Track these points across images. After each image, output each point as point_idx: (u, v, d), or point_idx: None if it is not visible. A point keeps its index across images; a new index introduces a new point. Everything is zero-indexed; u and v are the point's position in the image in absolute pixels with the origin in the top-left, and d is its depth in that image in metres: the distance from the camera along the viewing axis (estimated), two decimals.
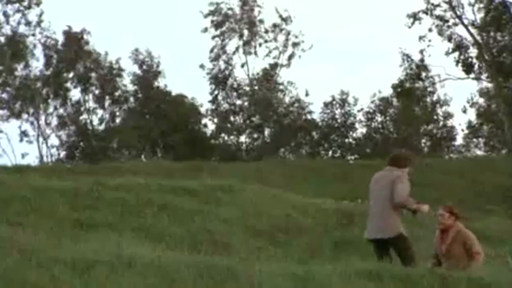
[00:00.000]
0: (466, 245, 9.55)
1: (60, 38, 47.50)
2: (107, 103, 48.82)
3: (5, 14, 44.74)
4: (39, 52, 46.64)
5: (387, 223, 9.19)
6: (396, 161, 9.59)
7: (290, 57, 49.92)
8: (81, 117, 48.22)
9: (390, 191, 9.23)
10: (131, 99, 49.20)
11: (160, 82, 49.62)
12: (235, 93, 49.93)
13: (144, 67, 49.13)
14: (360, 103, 50.41)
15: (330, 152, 50.06)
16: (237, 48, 49.92)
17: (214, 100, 49.73)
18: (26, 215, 17.48)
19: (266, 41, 49.87)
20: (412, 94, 49.21)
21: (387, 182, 9.32)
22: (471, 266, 9.30)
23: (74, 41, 47.39)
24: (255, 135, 50.06)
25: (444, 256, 9.54)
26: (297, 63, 51.46)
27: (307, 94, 49.80)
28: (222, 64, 49.77)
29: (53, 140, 47.70)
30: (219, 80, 49.67)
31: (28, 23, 45.20)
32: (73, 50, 46.93)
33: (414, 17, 47.11)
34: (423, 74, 49.29)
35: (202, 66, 49.36)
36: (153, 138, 47.31)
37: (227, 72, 49.88)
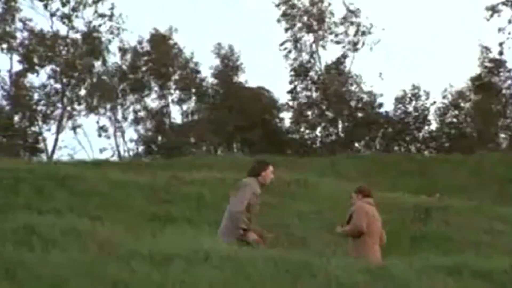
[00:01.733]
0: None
1: (146, 36, 48.14)
2: (186, 98, 49.22)
3: (75, 10, 45.46)
4: (115, 47, 47.31)
5: None
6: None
7: (358, 49, 49.58)
8: (158, 112, 48.71)
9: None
10: (211, 93, 49.50)
11: (240, 77, 49.84)
12: (313, 86, 49.80)
13: (225, 61, 49.39)
14: (431, 97, 49.79)
15: (404, 146, 49.53)
16: (309, 41, 49.84)
17: (292, 91, 49.66)
18: (105, 209, 17.77)
19: (336, 35, 49.59)
20: (491, 87, 48.34)
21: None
22: (342, 229, 10.16)
23: (160, 39, 47.91)
24: (330, 129, 49.85)
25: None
26: (367, 56, 50.99)
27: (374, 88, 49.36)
28: (296, 56, 49.69)
29: (131, 135, 48.42)
30: (298, 73, 49.63)
31: (101, 16, 45.82)
32: (157, 47, 47.46)
33: (493, 9, 46.38)
34: (502, 67, 48.47)
35: (279, 61, 49.40)
36: (230, 132, 47.52)
37: (307, 65, 49.78)
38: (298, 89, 49.74)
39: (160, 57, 47.77)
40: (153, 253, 6.78)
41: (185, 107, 48.91)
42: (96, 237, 7.18)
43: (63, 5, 44.88)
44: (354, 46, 49.46)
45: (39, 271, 6.04)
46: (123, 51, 47.56)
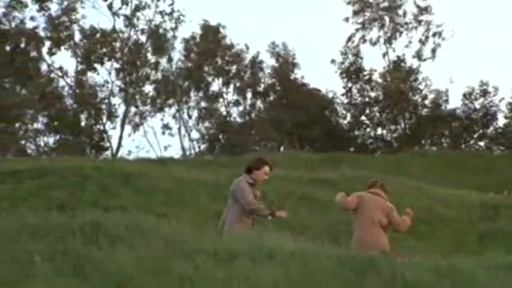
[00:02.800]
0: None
1: (198, 31, 48.38)
2: (247, 96, 49.38)
3: (141, 7, 45.93)
4: (179, 45, 47.68)
5: None
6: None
7: (425, 46, 49.12)
8: (221, 110, 48.99)
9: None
10: (270, 91, 49.56)
11: (297, 74, 49.78)
12: (368, 86, 49.51)
13: (281, 60, 49.38)
14: (500, 93, 48.98)
15: (472, 143, 48.84)
16: (377, 38, 49.53)
17: (347, 93, 49.49)
18: (170, 206, 17.96)
19: (406, 31, 49.21)
20: None
21: None
22: None
23: (212, 34, 48.15)
24: (393, 127, 49.46)
25: None
26: (436, 53, 50.33)
27: (451, 82, 48.76)
28: (351, 57, 49.42)
29: (195, 133, 48.72)
30: (351, 73, 49.38)
31: (166, 14, 46.26)
32: (211, 44, 47.70)
33: None
34: None
35: (333, 61, 49.22)
36: (291, 130, 47.50)
37: (358, 65, 49.51)
38: (358, 86, 49.46)
39: (221, 55, 48.01)
40: (218, 250, 6.82)
41: (245, 105, 49.06)
42: (161, 234, 7.25)
43: (125, 4, 45.43)
44: (423, 44, 49.04)
45: (106, 267, 6.13)
46: (188, 50, 47.91)
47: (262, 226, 10.30)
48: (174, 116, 47.34)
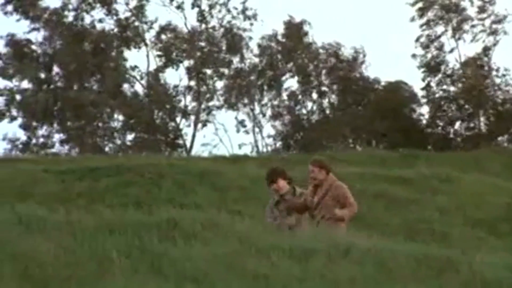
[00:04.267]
0: (338, 197, 9.48)
1: (280, 29, 48.43)
2: (318, 94, 49.22)
3: (212, 7, 46.23)
4: (253, 43, 47.80)
5: None
6: None
7: (498, 41, 48.19)
8: (295, 108, 48.94)
9: None
10: (344, 89, 49.29)
11: (370, 72, 49.43)
12: (448, 80, 48.79)
13: (351, 57, 49.09)
14: None
15: None
16: (444, 33, 48.84)
17: (426, 87, 48.87)
18: (244, 203, 18.05)
19: (473, 26, 48.35)
20: None
21: None
22: (343, 213, 9.35)
23: (295, 32, 48.13)
24: (471, 124, 48.69)
25: (315, 208, 9.54)
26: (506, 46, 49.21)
27: None
28: (433, 51, 48.80)
29: (269, 130, 48.77)
30: (431, 68, 48.74)
31: (241, 11, 46.48)
32: (292, 41, 47.71)
33: None
34: None
35: (414, 56, 48.67)
36: (366, 127, 47.19)
37: (439, 59, 48.84)
38: (433, 84, 48.84)
39: (294, 51, 47.95)
40: (293, 248, 6.82)
41: (319, 102, 48.90)
42: (236, 231, 7.28)
43: (198, 2, 45.83)
44: (494, 37, 48.12)
45: (182, 264, 6.19)
46: (261, 47, 48.01)
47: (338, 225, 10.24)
48: (248, 114, 47.53)
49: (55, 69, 44.95)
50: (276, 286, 5.98)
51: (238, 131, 47.31)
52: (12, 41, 43.95)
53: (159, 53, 46.11)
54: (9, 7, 43.49)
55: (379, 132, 46.94)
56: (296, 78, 48.45)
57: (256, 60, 47.97)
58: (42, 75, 44.75)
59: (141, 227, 6.89)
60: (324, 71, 48.91)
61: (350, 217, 9.50)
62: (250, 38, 47.11)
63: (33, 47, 44.47)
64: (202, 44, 46.72)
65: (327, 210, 9.46)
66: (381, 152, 36.39)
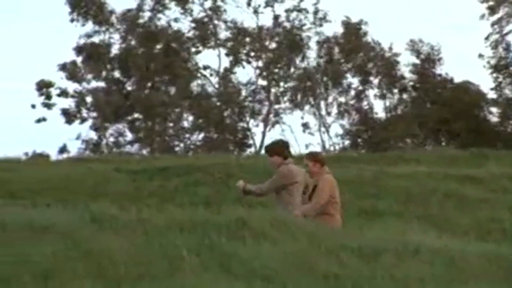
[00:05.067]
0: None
1: (339, 29, 48.28)
2: (387, 93, 48.85)
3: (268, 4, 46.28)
4: (314, 43, 47.74)
5: None
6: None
7: None
8: (362, 107, 48.68)
9: None
10: (411, 88, 48.86)
11: (440, 70, 48.83)
12: None
13: (422, 56, 48.58)
14: None
15: None
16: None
17: (496, 88, 48.08)
18: None
19: None
20: None
21: None
22: (303, 210, 9.32)
23: (353, 31, 47.93)
24: None
25: (309, 199, 9.59)
26: None
27: None
28: (501, 51, 47.95)
29: (336, 130, 48.61)
30: (499, 68, 47.90)
31: (300, 11, 46.47)
32: (351, 41, 47.51)
33: None
34: None
35: (481, 56, 47.91)
36: (436, 126, 46.68)
37: (508, 60, 47.97)
38: (503, 84, 47.97)
39: (358, 51, 47.70)
40: (362, 247, 6.80)
41: (387, 101, 48.56)
42: (305, 230, 7.28)
43: (270, 3, 45.94)
44: None
45: (251, 263, 6.22)
46: (321, 44, 47.87)
47: (405, 222, 10.20)
48: (314, 114, 47.45)
49: (127, 70, 45.58)
50: (346, 285, 5.97)
51: (304, 131, 47.33)
52: (83, 45, 44.71)
53: (230, 53, 46.36)
54: (75, 14, 44.32)
55: (449, 131, 46.37)
56: (358, 77, 48.19)
57: (319, 59, 47.90)
58: (114, 77, 45.43)
59: (210, 226, 6.94)
60: (388, 70, 48.51)
61: (314, 211, 9.47)
62: (309, 37, 47.10)
63: (103, 50, 45.15)
64: (273, 45, 46.84)
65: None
66: (451, 151, 35.90)
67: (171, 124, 46.32)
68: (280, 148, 10.04)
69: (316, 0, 46.55)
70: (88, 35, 44.77)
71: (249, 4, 45.95)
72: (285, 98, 47.25)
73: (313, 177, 9.74)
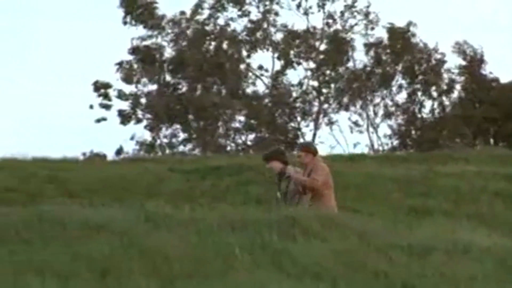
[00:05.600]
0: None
1: (384, 31, 48.00)
2: (435, 94, 48.46)
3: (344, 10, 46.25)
4: (361, 45, 47.53)
5: None
6: None
7: None
8: (410, 107, 48.36)
9: None
10: (458, 88, 48.38)
11: (486, 71, 48.22)
12: None
13: (468, 57, 48.03)
14: None
15: None
16: None
17: None
18: (362, 202, 17.94)
19: None
20: None
21: None
22: (303, 179, 9.70)
23: (399, 34, 47.59)
24: None
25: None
26: None
27: None
28: None
29: (384, 130, 48.34)
30: None
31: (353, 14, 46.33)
32: (398, 43, 47.20)
33: None
34: None
35: None
36: (484, 126, 46.13)
37: None
38: None
39: (404, 52, 47.35)
40: (412, 245, 6.75)
41: (434, 102, 48.15)
42: (354, 229, 7.26)
43: (321, 7, 45.95)
44: None
45: (302, 260, 6.22)
46: (368, 46, 47.61)
47: (455, 221, 10.09)
48: (361, 115, 47.32)
49: (178, 72, 45.89)
50: (395, 282, 5.93)
51: (351, 131, 47.20)
52: (136, 49, 45.12)
53: (281, 55, 46.38)
54: (129, 18, 44.80)
55: (498, 130, 45.80)
56: (406, 79, 47.85)
57: (365, 60, 47.71)
58: (166, 79, 45.77)
59: (262, 225, 6.95)
60: (435, 71, 48.06)
61: (310, 184, 9.69)
62: (358, 39, 46.95)
63: (155, 53, 45.50)
64: (324, 46, 46.79)
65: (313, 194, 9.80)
66: (500, 151, 35.44)
67: (222, 124, 46.50)
68: (280, 155, 10.36)
69: (368, 3, 46.37)
70: (142, 38, 45.20)
71: (299, 6, 45.96)
72: (334, 99, 47.13)
73: (306, 167, 9.95)
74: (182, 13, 45.41)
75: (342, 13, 46.42)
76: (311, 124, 46.58)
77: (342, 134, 46.94)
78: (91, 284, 5.49)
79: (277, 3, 45.85)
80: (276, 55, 46.32)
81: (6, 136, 51.96)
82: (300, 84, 46.77)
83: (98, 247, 6.04)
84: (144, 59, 44.91)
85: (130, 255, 5.96)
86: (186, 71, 45.16)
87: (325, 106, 47.05)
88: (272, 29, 46.33)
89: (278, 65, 46.59)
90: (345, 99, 47.17)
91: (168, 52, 45.87)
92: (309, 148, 10.25)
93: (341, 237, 6.93)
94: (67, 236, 6.28)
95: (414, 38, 47.71)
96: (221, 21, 45.85)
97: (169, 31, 45.51)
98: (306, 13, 46.22)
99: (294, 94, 46.98)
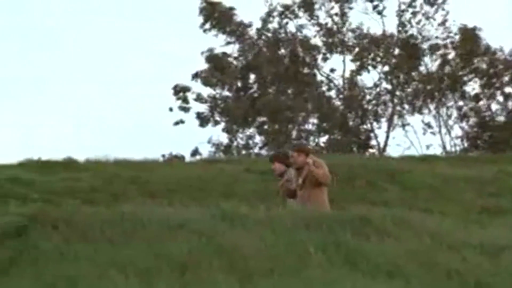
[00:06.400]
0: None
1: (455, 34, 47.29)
2: (506, 95, 47.57)
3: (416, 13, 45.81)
4: (434, 48, 46.88)
5: None
6: None
7: None
8: (482, 109, 47.62)
9: None
10: None
11: None
12: None
13: None
14: None
15: None
16: None
17: None
18: (434, 202, 17.70)
19: None
20: None
21: None
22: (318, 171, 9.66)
23: (470, 37, 46.84)
24: None
25: (301, 189, 9.82)
26: None
27: None
28: None
29: (456, 131, 47.71)
30: None
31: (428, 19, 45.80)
32: (469, 46, 46.47)
33: None
34: None
35: None
36: None
37: None
38: None
39: (475, 55, 46.59)
40: (484, 244, 6.64)
41: (507, 102, 47.20)
42: (427, 228, 7.17)
43: (402, 14, 45.62)
44: None
45: (375, 258, 6.17)
46: (439, 48, 46.97)
47: None
48: (434, 117, 46.80)
49: (252, 77, 46.12)
50: (468, 281, 5.85)
51: (424, 133, 46.71)
52: (212, 55, 45.49)
53: (356, 59, 46.13)
54: (208, 25, 45.27)
55: None
56: (478, 81, 47.09)
57: (435, 64, 47.11)
58: (239, 86, 46.07)
59: (335, 223, 6.93)
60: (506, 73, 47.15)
61: (322, 177, 9.73)
62: (423, 42, 46.35)
63: (231, 59, 45.82)
64: (398, 50, 46.36)
65: (311, 190, 9.78)
66: None
67: (296, 127, 46.49)
68: (284, 158, 10.48)
69: (446, 12, 45.80)
70: (219, 45, 45.61)
71: (374, 8, 45.63)
72: (407, 102, 46.69)
73: (299, 168, 9.95)
74: (262, 20, 45.68)
75: (419, 21, 45.96)
76: (384, 126, 46.25)
77: (416, 135, 46.52)
78: (171, 280, 5.56)
79: (350, 8, 45.63)
80: (350, 57, 46.10)
81: (90, 138, 52.96)
82: (375, 85, 46.46)
83: (178, 245, 6.11)
84: (219, 65, 45.32)
85: (208, 253, 6.01)
86: (261, 76, 45.39)
87: (398, 108, 46.67)
88: (350, 34, 46.14)
89: (349, 67, 46.37)
90: (419, 102, 46.73)
91: (244, 57, 46.16)
92: (302, 149, 10.34)
93: (413, 236, 6.85)
94: (148, 235, 6.36)
95: (483, 40, 47.00)
96: (291, 27, 45.92)
97: (247, 37, 45.81)
98: (379, 13, 45.79)
99: (368, 97, 46.70)
